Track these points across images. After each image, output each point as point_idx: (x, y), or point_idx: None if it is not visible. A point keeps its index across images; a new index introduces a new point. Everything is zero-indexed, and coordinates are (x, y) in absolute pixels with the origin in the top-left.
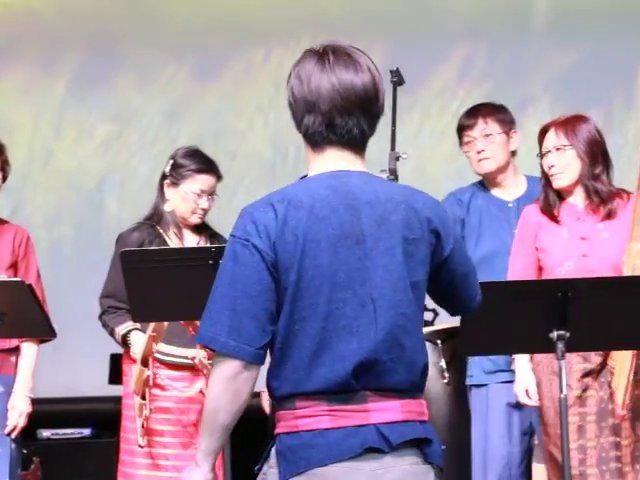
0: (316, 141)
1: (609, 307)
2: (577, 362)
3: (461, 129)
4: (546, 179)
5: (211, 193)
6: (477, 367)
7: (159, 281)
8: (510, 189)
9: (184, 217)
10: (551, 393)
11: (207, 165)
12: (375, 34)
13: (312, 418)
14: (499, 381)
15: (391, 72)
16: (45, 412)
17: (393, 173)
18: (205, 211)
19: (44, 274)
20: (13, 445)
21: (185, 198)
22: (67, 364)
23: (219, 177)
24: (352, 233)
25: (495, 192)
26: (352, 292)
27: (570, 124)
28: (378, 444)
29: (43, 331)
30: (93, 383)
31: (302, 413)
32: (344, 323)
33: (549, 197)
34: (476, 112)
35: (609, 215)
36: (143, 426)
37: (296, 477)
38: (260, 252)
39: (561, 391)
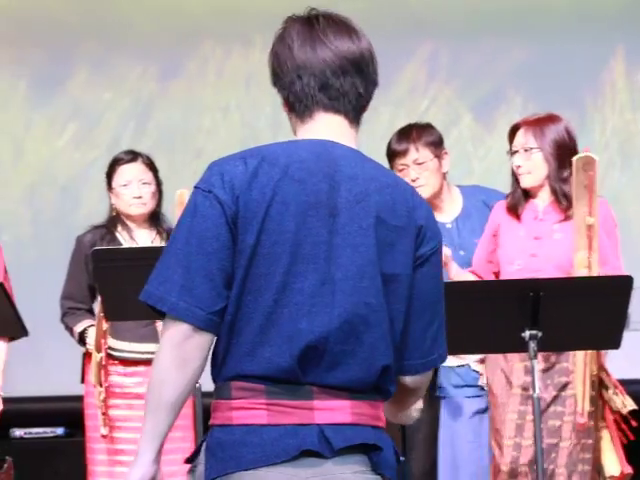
0: (307, 106)
1: (580, 307)
2: (518, 360)
3: (392, 156)
4: (515, 177)
5: (142, 181)
6: (446, 381)
7: (130, 280)
8: (447, 210)
9: (126, 213)
10: (494, 389)
11: (126, 155)
12: None
13: (248, 411)
14: (466, 396)
15: None
16: (18, 411)
17: None
18: (140, 198)
19: (15, 273)
20: None
21: (118, 194)
22: (40, 363)
23: (148, 164)
24: (326, 204)
25: None
26: (314, 267)
27: (539, 125)
28: (317, 447)
29: (15, 329)
30: (65, 382)
31: (238, 404)
32: (298, 299)
33: (516, 195)
34: (407, 138)
35: (567, 218)
36: (103, 414)
37: (222, 478)
38: (221, 204)
39: (534, 390)
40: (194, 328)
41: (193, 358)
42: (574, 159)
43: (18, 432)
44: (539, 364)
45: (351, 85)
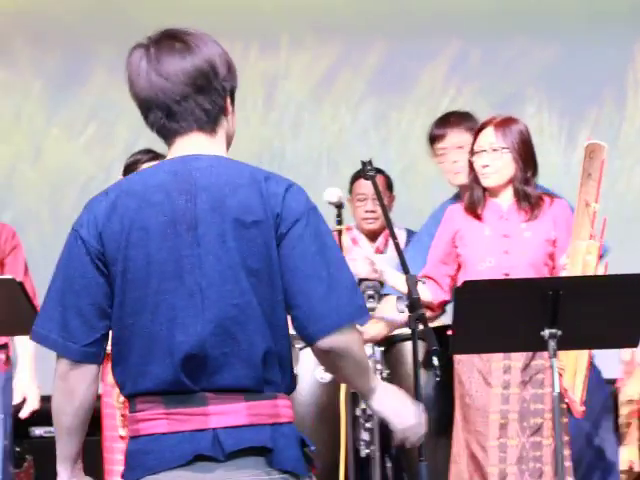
0: (164, 134)
1: (599, 305)
2: (497, 359)
3: (432, 140)
4: (475, 176)
5: None
6: None
7: None
8: None
9: None
10: (472, 391)
11: (146, 155)
12: (367, 34)
13: (150, 422)
14: None
15: (363, 164)
16: (38, 410)
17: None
18: None
19: (35, 272)
20: (5, 442)
21: None
22: None
23: None
24: (184, 219)
25: None
26: (180, 282)
27: (508, 125)
28: (210, 451)
29: None
30: None
31: (142, 416)
32: (171, 315)
33: (474, 195)
34: (445, 123)
35: (533, 217)
36: (123, 416)
37: None
38: (85, 243)
39: (554, 389)
40: (72, 362)
41: (78, 389)
42: (584, 146)
43: (38, 431)
44: (510, 361)
45: (195, 105)
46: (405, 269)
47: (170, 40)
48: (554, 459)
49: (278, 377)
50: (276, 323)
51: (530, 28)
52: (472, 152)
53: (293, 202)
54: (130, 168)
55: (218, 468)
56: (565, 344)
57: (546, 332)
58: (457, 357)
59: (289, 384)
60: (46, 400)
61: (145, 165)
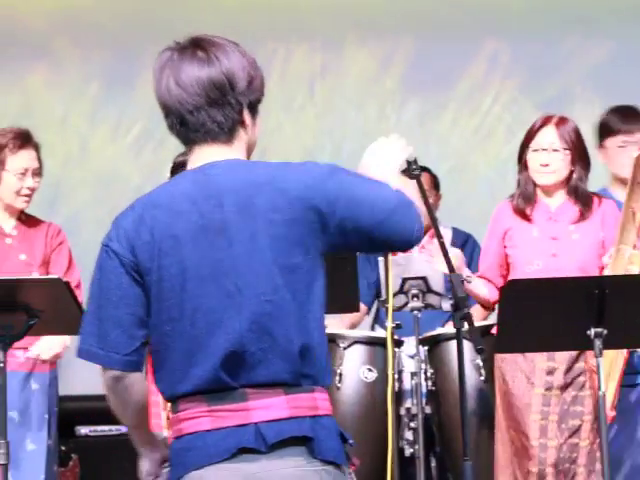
0: (182, 141)
1: None
2: (541, 360)
3: (613, 133)
4: (528, 175)
5: None
6: None
7: None
8: None
9: None
10: (514, 390)
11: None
12: (403, 33)
13: (193, 420)
14: None
15: (408, 163)
16: (83, 409)
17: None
18: None
19: (87, 274)
20: (50, 442)
21: None
22: None
23: None
24: (213, 223)
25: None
26: (217, 284)
27: (567, 125)
28: (253, 444)
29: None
30: None
31: (184, 415)
32: (211, 317)
33: (525, 194)
34: (636, 117)
35: (582, 218)
36: (168, 418)
37: None
38: (118, 256)
39: (599, 388)
40: (116, 372)
41: (128, 397)
42: (634, 156)
43: (83, 430)
44: (555, 363)
45: (207, 117)
46: (450, 268)
47: (194, 48)
48: (589, 461)
49: (314, 370)
50: (312, 317)
51: (578, 26)
52: (527, 150)
53: (325, 183)
54: (178, 168)
55: (261, 459)
56: (611, 343)
57: (592, 331)
58: (500, 355)
59: (326, 377)
60: (93, 399)
61: None
